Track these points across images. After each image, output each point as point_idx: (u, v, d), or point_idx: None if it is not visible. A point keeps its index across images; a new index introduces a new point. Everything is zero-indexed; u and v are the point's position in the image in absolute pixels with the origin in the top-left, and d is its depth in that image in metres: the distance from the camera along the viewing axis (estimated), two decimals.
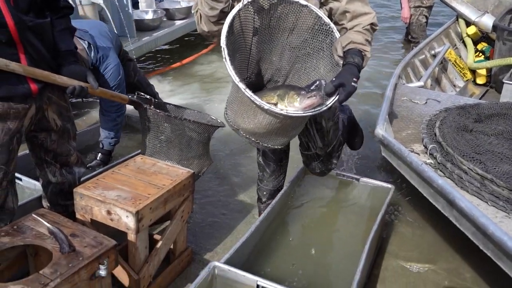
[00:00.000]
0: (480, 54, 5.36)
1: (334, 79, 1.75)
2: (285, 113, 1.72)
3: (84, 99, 3.42)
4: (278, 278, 2.24)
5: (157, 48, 5.79)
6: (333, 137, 2.32)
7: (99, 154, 3.24)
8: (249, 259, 2.25)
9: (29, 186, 2.58)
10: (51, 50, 1.96)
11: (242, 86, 1.67)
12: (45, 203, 2.30)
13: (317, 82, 1.83)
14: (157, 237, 2.33)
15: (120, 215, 1.96)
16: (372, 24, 1.88)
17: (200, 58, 6.02)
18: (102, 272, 1.72)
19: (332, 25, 1.88)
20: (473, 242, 2.04)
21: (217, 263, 1.89)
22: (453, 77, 5.08)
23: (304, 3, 1.85)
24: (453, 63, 5.08)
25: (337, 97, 1.76)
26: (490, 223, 1.80)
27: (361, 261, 2.03)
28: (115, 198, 2.00)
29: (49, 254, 1.70)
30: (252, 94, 1.68)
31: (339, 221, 2.59)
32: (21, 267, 1.94)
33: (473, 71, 5.19)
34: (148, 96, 2.65)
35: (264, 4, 1.84)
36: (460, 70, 5.14)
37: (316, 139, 2.27)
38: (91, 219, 2.07)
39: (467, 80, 5.13)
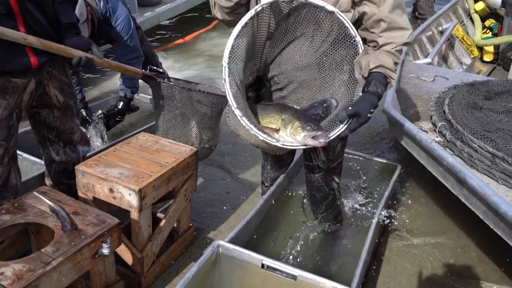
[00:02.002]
0: (488, 30, 5.25)
1: (350, 108, 1.60)
2: (281, 145, 1.60)
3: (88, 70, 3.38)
4: (284, 256, 2.22)
5: (159, 24, 5.68)
6: (340, 153, 2.14)
7: (120, 103, 3.16)
8: (253, 238, 2.22)
9: (29, 163, 2.53)
10: (52, 23, 1.90)
11: (238, 113, 1.54)
12: (48, 181, 2.27)
13: (328, 103, 1.68)
14: (160, 215, 2.30)
15: (123, 193, 1.92)
16: (406, 43, 1.70)
17: (203, 34, 5.91)
18: (105, 250, 1.69)
19: (358, 38, 1.66)
20: (480, 221, 2.01)
21: (221, 242, 1.86)
22: (460, 54, 4.98)
23: (331, 8, 1.62)
24: (460, 39, 4.97)
25: (347, 125, 1.62)
26: (502, 202, 1.75)
27: (367, 240, 2.00)
28: (118, 176, 1.96)
29: (51, 232, 1.67)
30: (248, 123, 1.53)
31: (345, 200, 2.55)
32: (23, 246, 1.91)
33: (480, 48, 5.09)
34: (161, 70, 2.59)
35: (283, 8, 1.66)
36: (467, 47, 5.04)
37: (319, 151, 2.08)
38: (93, 197, 2.03)
39: (474, 57, 5.04)
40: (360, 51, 1.66)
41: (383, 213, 2.31)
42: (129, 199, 1.91)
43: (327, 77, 1.80)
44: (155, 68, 2.55)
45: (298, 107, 1.89)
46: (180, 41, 5.62)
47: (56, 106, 2.03)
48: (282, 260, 1.77)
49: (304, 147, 1.63)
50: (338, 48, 1.71)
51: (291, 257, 2.23)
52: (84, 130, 2.57)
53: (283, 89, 1.97)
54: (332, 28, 1.68)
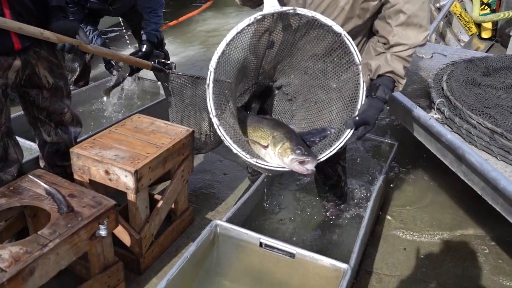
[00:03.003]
0: (486, 7, 5.18)
1: (357, 117, 1.52)
2: (264, 166, 1.51)
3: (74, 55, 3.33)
4: (281, 236, 2.22)
5: None
6: (337, 173, 2.08)
7: (144, 46, 3.13)
8: (251, 217, 2.23)
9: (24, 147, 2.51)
10: (39, 5, 1.85)
11: (216, 121, 1.47)
12: (42, 164, 2.25)
13: (327, 132, 1.58)
14: (157, 197, 2.29)
15: (119, 175, 1.91)
16: (420, 45, 1.63)
17: (196, 15, 5.83)
18: (102, 232, 1.68)
19: (361, 67, 1.55)
20: (478, 198, 2.01)
21: (219, 222, 1.86)
22: (458, 31, 4.93)
23: (339, 30, 1.51)
24: (458, 16, 4.91)
25: (351, 133, 1.52)
26: (501, 177, 1.75)
27: (365, 218, 2.00)
28: (113, 158, 1.94)
29: (47, 215, 1.66)
30: (224, 133, 1.46)
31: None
32: (20, 229, 1.90)
33: (478, 25, 5.03)
34: (168, 62, 2.57)
35: (289, 21, 1.56)
36: (465, 24, 4.98)
37: None
38: (89, 179, 2.01)
39: (472, 34, 4.98)
40: (361, 82, 1.55)
41: (381, 190, 2.31)
42: (126, 180, 1.90)
43: (327, 101, 1.68)
44: (163, 60, 2.54)
45: (298, 126, 1.77)
46: (174, 22, 5.53)
47: (45, 87, 1.99)
48: (280, 239, 1.77)
49: (282, 169, 1.50)
50: (340, 73, 1.60)
51: (289, 236, 2.24)
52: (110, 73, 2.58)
53: (292, 103, 1.87)
54: (337, 50, 1.57)
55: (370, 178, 2.65)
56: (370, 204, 2.10)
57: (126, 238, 2.02)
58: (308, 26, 1.55)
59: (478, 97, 2.29)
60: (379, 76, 1.60)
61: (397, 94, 2.45)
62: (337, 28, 1.50)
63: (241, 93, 1.86)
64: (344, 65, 1.57)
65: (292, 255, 1.75)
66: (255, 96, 1.86)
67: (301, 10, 1.49)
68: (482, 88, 2.42)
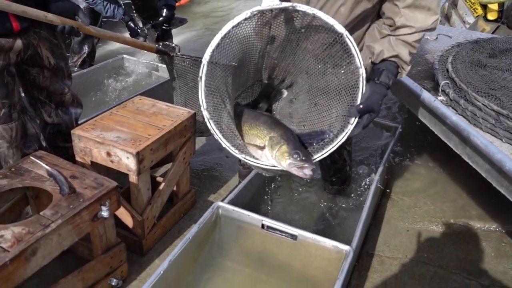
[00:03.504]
0: None
1: (361, 105, 1.42)
2: (257, 165, 1.45)
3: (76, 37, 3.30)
4: (283, 218, 2.22)
5: None
6: (343, 157, 2.02)
7: (163, 10, 3.11)
8: (253, 199, 2.22)
9: None
10: None
11: (206, 114, 1.42)
12: (44, 145, 2.24)
13: (325, 136, 1.49)
14: (159, 179, 2.29)
15: (120, 157, 1.90)
16: (429, 29, 1.55)
17: None
18: (104, 213, 1.68)
19: (362, 70, 1.42)
20: (481, 180, 1.99)
21: (221, 203, 1.86)
22: (463, 12, 4.85)
23: (341, 30, 1.40)
24: None
25: (355, 123, 1.44)
26: (506, 160, 1.73)
27: (368, 200, 1.99)
28: (115, 140, 1.93)
29: (49, 196, 1.66)
30: (215, 127, 1.42)
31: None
32: (22, 210, 1.90)
33: (484, 6, 4.95)
34: (173, 44, 2.55)
35: (293, 19, 1.47)
36: (470, 5, 4.90)
37: None
38: (91, 161, 2.01)
39: (477, 16, 4.90)
40: (361, 86, 1.43)
41: (383, 173, 2.30)
42: (127, 162, 1.89)
43: (326, 104, 1.59)
44: (167, 43, 2.52)
45: (298, 128, 1.70)
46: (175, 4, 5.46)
47: (46, 67, 1.99)
48: (282, 221, 1.77)
49: (277, 169, 1.44)
50: (340, 75, 1.50)
51: (291, 218, 2.24)
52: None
53: (294, 103, 1.79)
54: (338, 51, 1.47)
55: (373, 161, 2.64)
56: (373, 187, 2.09)
57: (128, 220, 2.02)
58: (309, 23, 1.46)
59: (483, 78, 2.26)
60: (383, 60, 1.55)
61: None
62: (339, 28, 1.39)
63: (244, 89, 1.82)
64: (344, 67, 1.47)
65: (294, 237, 1.75)
66: (263, 95, 1.82)
67: (301, 7, 1.40)
68: (488, 70, 2.39)
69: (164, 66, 3.40)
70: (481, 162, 1.91)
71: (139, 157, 1.88)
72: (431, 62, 2.66)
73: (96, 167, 1.99)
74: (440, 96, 2.30)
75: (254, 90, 1.83)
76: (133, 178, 1.93)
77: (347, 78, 1.45)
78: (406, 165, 2.80)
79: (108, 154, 1.92)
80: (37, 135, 2.05)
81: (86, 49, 3.69)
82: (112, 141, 1.92)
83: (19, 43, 1.84)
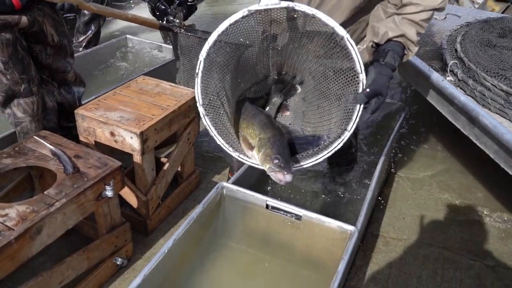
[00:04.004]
0: None
1: (367, 89, 1.34)
2: (250, 164, 1.44)
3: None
4: (288, 198, 2.22)
5: None
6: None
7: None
8: (258, 180, 2.21)
9: None
10: None
11: (202, 110, 1.42)
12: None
13: (321, 142, 1.44)
14: (164, 160, 2.28)
15: (124, 137, 1.89)
16: (437, 9, 1.46)
17: None
18: (109, 193, 1.67)
19: (362, 76, 1.33)
20: (488, 162, 1.97)
21: (225, 184, 1.85)
22: None
23: (342, 33, 1.30)
24: None
25: (353, 129, 1.35)
26: None
27: (373, 181, 1.98)
28: (118, 119, 1.92)
29: (54, 176, 1.65)
30: (209, 123, 1.43)
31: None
32: (27, 190, 1.91)
33: None
34: (177, 21, 2.51)
35: (294, 17, 1.39)
36: None
37: None
38: (94, 141, 2.00)
39: None
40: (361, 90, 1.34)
41: (389, 155, 2.28)
42: (131, 142, 1.88)
43: (326, 108, 1.54)
44: (172, 18, 2.47)
45: (305, 129, 1.66)
46: None
47: (49, 44, 1.98)
48: (286, 201, 1.76)
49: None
50: (340, 80, 1.43)
51: (296, 198, 2.23)
52: (162, 22, 2.49)
53: (304, 102, 1.74)
54: (338, 54, 1.38)
55: (379, 142, 2.61)
56: (378, 168, 2.07)
57: (133, 200, 2.02)
58: (309, 23, 1.38)
59: (493, 58, 2.21)
60: (388, 41, 1.47)
61: None
62: (340, 30, 1.30)
63: (254, 84, 1.78)
64: (344, 72, 1.39)
65: (298, 217, 1.74)
66: (278, 90, 1.79)
67: (300, 7, 1.31)
68: (497, 50, 2.34)
69: (168, 46, 3.39)
70: (489, 143, 1.88)
71: (143, 137, 1.86)
72: (439, 42, 2.61)
73: (100, 147, 1.99)
74: (448, 76, 2.26)
75: (267, 84, 1.79)
76: (137, 158, 1.92)
77: (347, 85, 1.38)
78: (412, 147, 2.78)
79: (112, 134, 1.91)
80: (55, 108, 2.07)
81: (92, 29, 3.65)
82: (116, 121, 1.91)
83: (24, 19, 1.84)
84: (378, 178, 2.03)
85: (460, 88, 2.17)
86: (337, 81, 1.43)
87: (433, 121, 2.91)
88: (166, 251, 1.58)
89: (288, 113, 1.75)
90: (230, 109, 1.52)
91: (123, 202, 2.02)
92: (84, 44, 3.66)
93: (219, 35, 1.37)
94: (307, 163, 1.42)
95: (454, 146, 2.73)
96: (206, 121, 1.43)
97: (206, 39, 2.37)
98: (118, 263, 1.84)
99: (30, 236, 1.41)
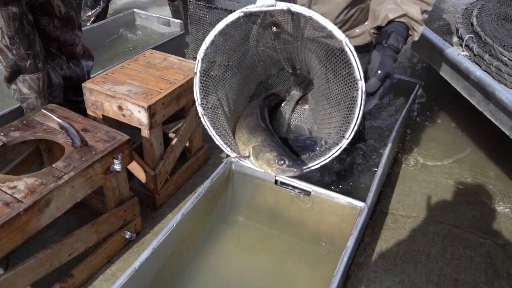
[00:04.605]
0: None
1: (378, 71, 1.29)
2: (249, 165, 1.44)
3: None
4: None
5: None
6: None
7: None
8: None
9: None
10: None
11: (200, 110, 1.42)
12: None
13: (317, 148, 1.41)
14: (172, 135, 2.26)
15: (132, 110, 1.87)
16: None
17: None
18: (117, 166, 1.67)
19: (362, 83, 1.24)
20: (501, 140, 1.93)
21: (234, 159, 1.83)
22: None
23: (340, 37, 1.22)
24: None
25: (351, 137, 1.29)
26: None
27: (383, 157, 1.95)
28: (126, 93, 1.90)
29: (62, 150, 1.65)
30: (208, 123, 1.44)
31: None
32: (36, 163, 1.91)
33: None
34: None
35: (296, 20, 1.34)
36: None
37: None
38: (102, 115, 1.99)
39: None
40: (359, 100, 1.25)
41: (400, 131, 2.24)
42: (139, 116, 1.86)
43: (330, 111, 1.48)
44: None
45: (311, 128, 1.61)
46: None
47: (57, 16, 1.95)
48: (296, 177, 1.74)
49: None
50: (340, 84, 1.36)
51: (305, 175, 2.21)
52: None
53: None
54: (337, 57, 1.31)
55: (391, 118, 2.57)
56: (389, 144, 2.03)
57: (141, 175, 2.02)
58: (308, 24, 1.32)
59: (510, 33, 2.14)
60: (390, 23, 1.40)
61: (423, 29, 2.30)
62: (339, 34, 1.22)
63: (268, 77, 1.74)
64: (344, 77, 1.32)
65: (307, 193, 1.73)
66: (296, 83, 1.75)
67: (296, 8, 1.24)
68: None
69: (176, 21, 3.33)
70: (505, 119, 1.84)
71: (151, 111, 1.84)
72: (454, 16, 2.53)
73: (108, 121, 1.97)
74: (463, 51, 2.19)
75: (284, 77, 1.75)
76: (145, 132, 1.91)
77: (346, 90, 1.32)
78: (423, 124, 2.73)
79: (120, 108, 1.90)
80: (61, 84, 2.05)
81: (101, 4, 3.59)
82: (124, 94, 1.89)
83: None
84: (389, 155, 2.00)
85: (476, 63, 2.10)
86: (337, 85, 1.37)
87: (447, 98, 2.86)
88: (174, 225, 1.58)
89: (306, 106, 1.72)
90: (229, 109, 1.51)
91: (131, 176, 2.01)
92: (92, 19, 3.61)
93: (216, 35, 1.34)
94: (307, 168, 1.39)
95: (468, 124, 2.68)
96: (204, 120, 1.44)
97: (216, 8, 2.34)
98: (127, 236, 1.85)
99: (39, 208, 1.41)
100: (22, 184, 1.44)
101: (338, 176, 2.21)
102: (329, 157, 1.34)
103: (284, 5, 1.24)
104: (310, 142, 1.46)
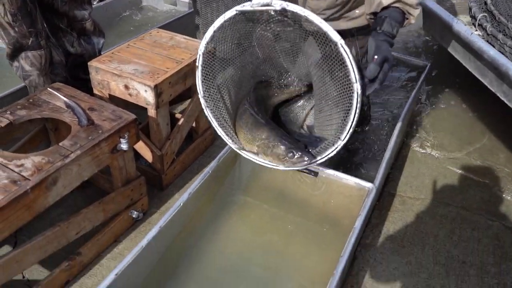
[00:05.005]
0: None
1: (375, 56, 1.29)
2: (254, 160, 1.41)
3: None
4: None
5: None
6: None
7: None
8: None
9: None
10: None
11: (203, 102, 1.41)
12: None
13: (316, 145, 1.38)
14: (178, 115, 2.25)
15: (138, 90, 1.85)
16: None
17: None
18: (123, 145, 1.66)
19: (357, 86, 1.21)
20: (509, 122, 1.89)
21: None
22: None
23: (335, 39, 1.19)
24: None
25: (347, 139, 1.27)
26: None
27: (392, 139, 1.92)
28: (132, 72, 1.88)
29: (68, 129, 1.64)
30: (210, 115, 1.42)
31: (371, 97, 2.43)
32: (43, 142, 1.91)
33: None
34: None
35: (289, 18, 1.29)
36: None
37: None
38: (109, 94, 1.97)
39: None
40: (354, 103, 1.23)
41: (409, 113, 2.21)
42: (145, 95, 1.85)
43: (329, 113, 1.45)
44: None
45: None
46: None
47: None
48: None
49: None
50: (337, 86, 1.33)
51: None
52: None
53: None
54: (333, 60, 1.28)
55: (400, 99, 2.53)
56: (397, 126, 2.01)
57: (147, 154, 2.01)
58: (303, 25, 1.28)
59: None
60: (385, 8, 1.38)
61: (435, 7, 2.26)
62: (334, 35, 1.19)
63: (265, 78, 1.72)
64: (340, 79, 1.29)
65: (315, 174, 1.71)
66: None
67: (292, 7, 1.20)
68: None
69: (184, 0, 3.28)
70: None
71: (157, 90, 1.83)
72: None
73: (114, 101, 1.96)
74: (476, 30, 2.14)
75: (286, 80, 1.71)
76: (151, 112, 1.90)
77: (343, 93, 1.29)
78: (433, 106, 2.69)
79: (126, 87, 1.88)
80: (63, 62, 2.05)
81: None
82: (130, 73, 1.87)
83: None
84: (397, 137, 1.98)
85: (489, 42, 2.06)
86: (335, 86, 1.35)
87: (457, 80, 2.81)
88: (181, 204, 1.58)
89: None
90: (231, 102, 1.51)
91: (138, 156, 2.01)
92: None
93: (215, 31, 1.32)
94: (297, 167, 1.38)
95: (479, 106, 2.64)
96: (207, 112, 1.45)
97: None
98: (133, 216, 1.85)
99: (46, 186, 1.41)
100: (29, 162, 1.44)
101: (345, 158, 2.20)
102: (325, 157, 1.33)
103: (279, 5, 1.21)
104: (315, 139, 1.45)
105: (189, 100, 2.21)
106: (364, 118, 2.24)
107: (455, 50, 2.21)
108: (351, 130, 1.25)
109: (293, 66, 1.55)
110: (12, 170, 1.40)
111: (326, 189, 1.70)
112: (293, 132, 1.58)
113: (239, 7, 1.26)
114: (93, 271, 1.69)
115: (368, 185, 1.62)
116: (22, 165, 1.43)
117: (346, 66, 1.19)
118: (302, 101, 1.65)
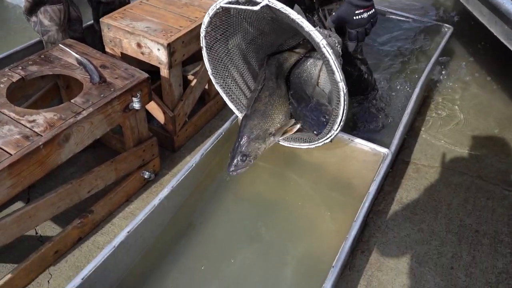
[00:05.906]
0: None
1: (333, 13, 1.45)
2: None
3: None
4: None
5: None
6: (357, 67, 1.92)
7: None
8: None
9: None
10: None
11: (214, 80, 1.59)
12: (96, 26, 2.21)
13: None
14: (191, 77, 2.21)
15: (151, 48, 1.81)
16: None
17: None
18: (136, 104, 1.63)
19: (342, 85, 1.25)
20: None
21: None
22: None
23: (317, 39, 1.22)
24: None
25: (334, 135, 1.40)
26: None
27: (410, 103, 1.87)
28: (145, 30, 1.83)
29: (80, 86, 1.61)
30: (220, 90, 1.62)
31: (391, 61, 2.36)
32: (55, 100, 1.89)
33: None
34: None
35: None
36: None
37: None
38: (121, 53, 1.93)
39: None
40: (342, 100, 1.29)
41: (427, 79, 2.14)
42: (158, 54, 1.81)
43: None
44: None
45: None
46: None
47: None
48: None
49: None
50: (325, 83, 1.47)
51: None
52: None
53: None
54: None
55: (419, 63, 2.46)
56: (415, 92, 1.95)
57: (160, 115, 1.99)
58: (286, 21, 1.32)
59: None
60: None
61: None
62: (316, 35, 1.22)
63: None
64: (329, 75, 1.35)
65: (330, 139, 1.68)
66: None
67: (273, 4, 1.22)
68: None
69: None
70: None
71: (170, 49, 1.78)
72: None
73: (126, 60, 1.92)
74: None
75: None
76: (164, 72, 1.86)
77: (333, 87, 1.36)
78: (452, 73, 2.61)
79: (139, 45, 1.84)
80: (79, 18, 2.03)
81: None
82: (143, 31, 1.82)
83: None
84: (414, 103, 1.93)
85: None
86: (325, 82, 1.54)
87: (478, 46, 2.71)
88: (193, 165, 1.56)
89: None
90: (241, 77, 1.65)
91: (150, 117, 1.99)
92: None
93: (211, 17, 1.41)
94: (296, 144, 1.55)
95: (499, 73, 2.55)
96: (218, 88, 1.60)
97: None
98: (145, 176, 1.85)
99: (58, 143, 1.39)
100: (41, 118, 1.42)
101: (359, 124, 2.15)
102: (320, 143, 1.46)
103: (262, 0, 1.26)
104: (323, 122, 1.52)
105: (201, 62, 2.16)
106: (367, 86, 2.16)
107: (480, 13, 2.11)
108: (342, 124, 1.35)
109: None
110: (24, 125, 1.39)
111: (340, 154, 1.67)
112: (308, 94, 1.56)
113: (221, 2, 1.34)
114: (105, 229, 1.71)
115: (383, 150, 1.58)
116: (34, 120, 1.41)
117: (330, 66, 1.26)
118: (312, 59, 1.64)
